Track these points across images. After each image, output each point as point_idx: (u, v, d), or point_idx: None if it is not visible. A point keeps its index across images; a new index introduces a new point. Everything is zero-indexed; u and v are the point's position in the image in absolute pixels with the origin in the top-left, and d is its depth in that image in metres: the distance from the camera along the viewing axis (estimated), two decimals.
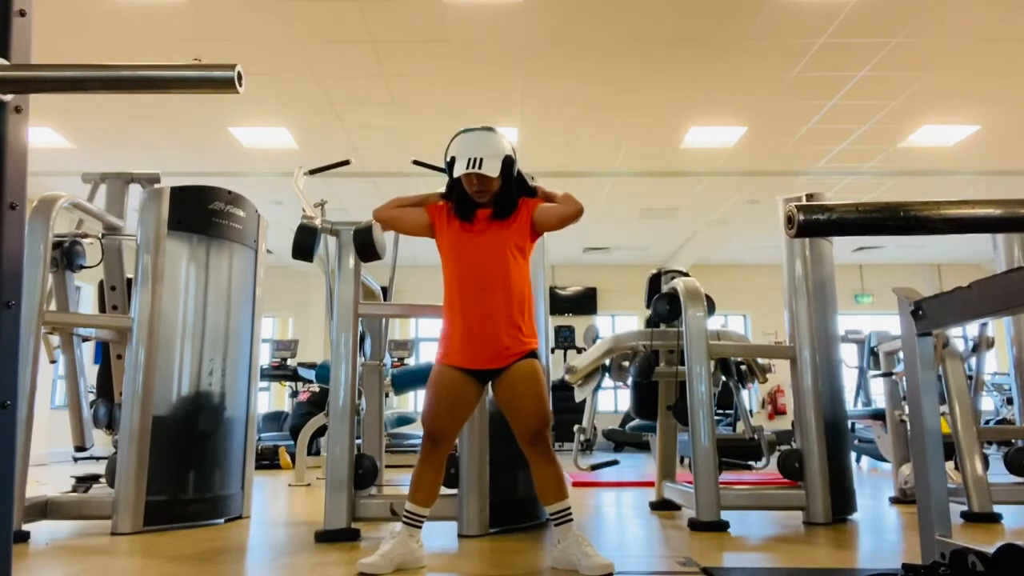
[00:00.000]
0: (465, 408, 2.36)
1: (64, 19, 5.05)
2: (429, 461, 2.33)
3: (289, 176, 3.59)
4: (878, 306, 12.36)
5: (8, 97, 0.97)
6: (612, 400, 11.85)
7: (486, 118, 6.67)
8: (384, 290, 3.80)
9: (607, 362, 3.81)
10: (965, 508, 3.27)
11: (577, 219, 2.34)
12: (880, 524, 3.20)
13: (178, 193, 3.37)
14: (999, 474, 3.72)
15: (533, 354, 2.34)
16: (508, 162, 2.32)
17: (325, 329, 11.39)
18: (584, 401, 3.91)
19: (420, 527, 2.33)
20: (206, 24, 5.13)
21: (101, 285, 3.65)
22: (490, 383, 2.37)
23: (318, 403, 7.34)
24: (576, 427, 3.78)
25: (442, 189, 2.48)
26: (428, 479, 2.32)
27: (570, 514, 2.28)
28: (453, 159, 2.32)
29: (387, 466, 3.76)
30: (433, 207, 2.47)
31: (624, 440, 9.41)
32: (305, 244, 2.87)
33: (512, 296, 2.31)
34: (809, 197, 3.39)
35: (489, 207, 2.37)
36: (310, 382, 7.97)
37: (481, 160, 2.26)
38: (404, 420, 7.39)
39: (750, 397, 11.63)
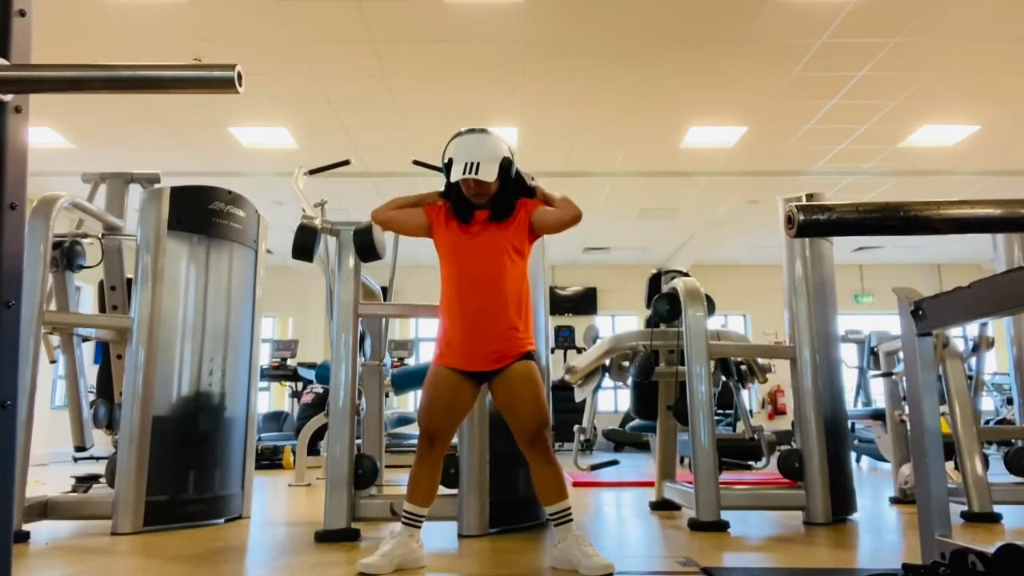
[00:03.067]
0: (461, 408, 2.38)
1: (64, 19, 5.05)
2: (426, 460, 2.34)
3: (289, 176, 3.59)
4: (878, 306, 12.36)
5: (8, 97, 0.97)
6: (612, 400, 11.85)
7: (486, 118, 6.67)
8: (384, 290, 3.80)
9: (607, 362, 3.81)
10: (965, 508, 3.27)
11: (575, 223, 2.35)
12: (880, 524, 3.20)
13: (178, 193, 3.37)
14: (999, 474, 3.71)
15: (530, 355, 2.34)
16: (506, 164, 2.33)
17: (325, 329, 11.39)
18: (584, 401, 3.91)
19: (420, 527, 2.33)
20: (206, 24, 5.13)
21: (101, 285, 3.65)
22: (488, 384, 2.37)
23: (321, 404, 7.34)
24: (576, 427, 3.79)
25: (441, 188, 2.49)
26: (425, 479, 2.33)
27: (570, 514, 2.28)
28: (451, 160, 2.32)
29: (387, 466, 3.76)
30: (431, 207, 2.47)
31: (624, 440, 9.41)
32: (305, 244, 2.87)
33: (509, 297, 2.32)
34: (809, 197, 3.39)
35: (487, 209, 2.37)
36: (311, 382, 7.97)
37: (478, 164, 2.26)
38: (404, 420, 7.38)
39: (750, 397, 11.62)
